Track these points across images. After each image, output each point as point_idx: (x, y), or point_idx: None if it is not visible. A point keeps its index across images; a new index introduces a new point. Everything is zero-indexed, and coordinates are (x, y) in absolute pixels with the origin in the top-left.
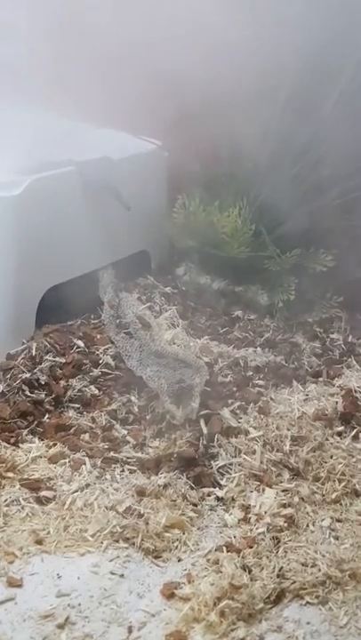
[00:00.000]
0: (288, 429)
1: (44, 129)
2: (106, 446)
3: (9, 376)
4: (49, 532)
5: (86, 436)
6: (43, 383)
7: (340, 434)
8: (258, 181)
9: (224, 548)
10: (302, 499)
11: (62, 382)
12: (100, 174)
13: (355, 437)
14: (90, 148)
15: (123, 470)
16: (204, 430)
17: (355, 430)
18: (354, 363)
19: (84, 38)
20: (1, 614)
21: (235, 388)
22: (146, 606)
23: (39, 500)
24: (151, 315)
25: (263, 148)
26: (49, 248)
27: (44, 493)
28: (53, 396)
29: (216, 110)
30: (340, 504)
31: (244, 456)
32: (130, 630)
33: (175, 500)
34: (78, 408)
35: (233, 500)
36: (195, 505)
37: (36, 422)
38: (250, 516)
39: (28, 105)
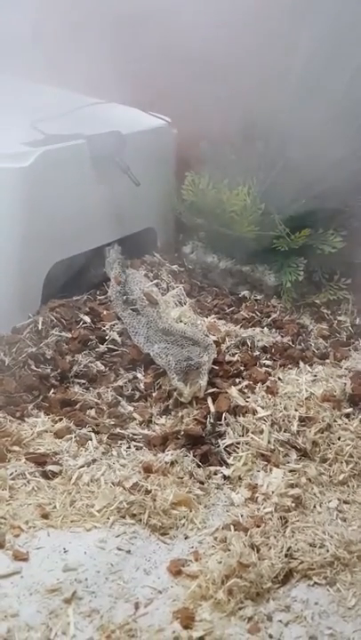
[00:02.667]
0: (296, 410)
1: (54, 102)
2: (112, 422)
3: (14, 350)
4: (55, 507)
5: (92, 412)
6: (48, 358)
7: (348, 415)
8: (268, 160)
9: (231, 527)
10: (310, 479)
11: (68, 357)
12: (110, 148)
13: None
14: (99, 122)
15: (129, 447)
16: (212, 408)
17: None
18: None
19: (94, 12)
20: (7, 587)
21: (242, 367)
22: (153, 583)
23: (45, 475)
24: (158, 292)
25: (275, 125)
26: (56, 221)
27: (50, 468)
28: (59, 370)
29: (226, 86)
30: (348, 486)
31: (252, 435)
32: (137, 606)
33: (182, 478)
34: (84, 384)
35: (240, 478)
36: (201, 483)
37: (41, 397)
38: (257, 495)
39: (38, 78)
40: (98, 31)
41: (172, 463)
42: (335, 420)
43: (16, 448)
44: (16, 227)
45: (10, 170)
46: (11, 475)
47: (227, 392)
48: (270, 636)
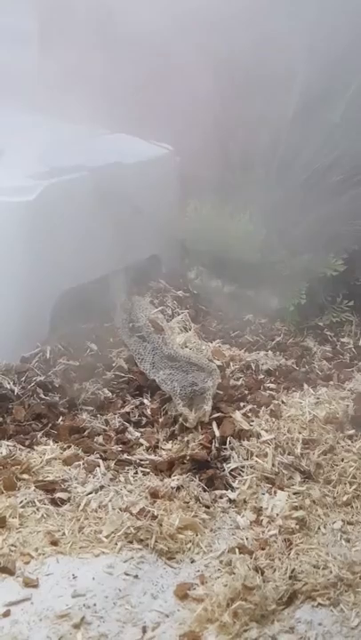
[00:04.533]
0: (299, 432)
1: (57, 135)
2: (119, 448)
3: (24, 379)
4: (64, 534)
5: (100, 439)
6: (57, 386)
7: (350, 437)
8: (269, 187)
9: (237, 550)
10: (314, 501)
11: (76, 385)
12: (112, 179)
13: None
14: (102, 154)
15: (136, 472)
16: (217, 433)
17: None
18: None
19: (94, 45)
20: (18, 614)
21: (246, 391)
22: (160, 607)
23: (54, 502)
24: (163, 318)
25: (274, 153)
26: (62, 252)
27: (58, 495)
28: (67, 398)
29: (227, 117)
30: (352, 507)
31: (256, 459)
32: (144, 630)
33: (188, 502)
34: (92, 411)
35: (245, 502)
36: (207, 507)
37: (50, 425)
38: (262, 518)
39: (40, 111)
40: (98, 63)
41: (179, 488)
42: (338, 442)
43: (25, 476)
44: (23, 258)
45: (16, 203)
46: (20, 503)
47: (231, 416)
48: None
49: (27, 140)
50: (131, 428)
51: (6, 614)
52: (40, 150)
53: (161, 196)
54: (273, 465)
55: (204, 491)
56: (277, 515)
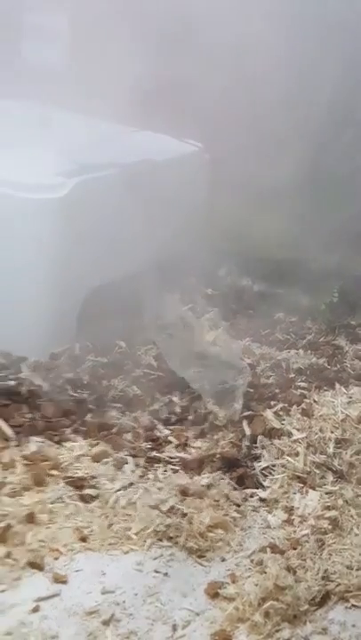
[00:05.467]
0: (332, 432)
1: (88, 132)
2: (148, 446)
3: (52, 375)
4: (93, 530)
5: (129, 436)
6: (85, 383)
7: None
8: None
9: (268, 549)
10: (346, 501)
11: (105, 382)
12: (142, 176)
13: None
14: (132, 151)
15: (165, 470)
16: (247, 431)
17: None
18: None
19: (125, 42)
20: (47, 609)
21: (277, 390)
22: (190, 605)
23: (83, 498)
24: (193, 316)
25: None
26: (92, 249)
27: (87, 491)
28: (96, 395)
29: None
30: None
31: (288, 458)
32: (174, 628)
33: (218, 501)
34: (121, 408)
35: (276, 501)
36: (238, 505)
37: (79, 421)
38: (293, 517)
39: (72, 109)
40: (131, 59)
41: (209, 486)
42: None
43: (55, 472)
44: (53, 255)
45: (47, 200)
46: (50, 499)
47: (262, 415)
48: None
49: (58, 137)
50: (160, 426)
51: (35, 610)
52: (71, 147)
53: (191, 193)
54: (305, 464)
55: (235, 489)
56: (309, 514)
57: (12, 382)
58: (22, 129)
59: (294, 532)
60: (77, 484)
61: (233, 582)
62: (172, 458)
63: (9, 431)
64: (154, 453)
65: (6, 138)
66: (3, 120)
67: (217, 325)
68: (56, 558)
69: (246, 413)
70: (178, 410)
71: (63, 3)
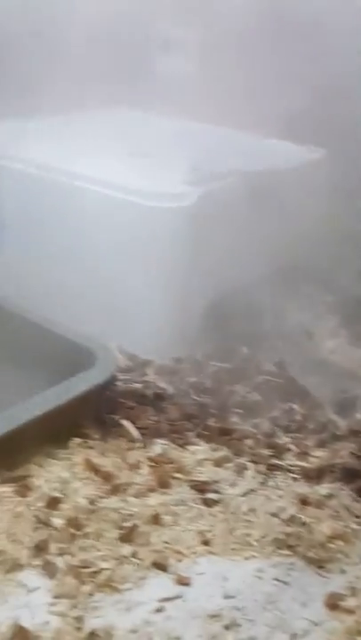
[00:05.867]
0: None
1: (213, 141)
2: (269, 453)
3: (176, 379)
4: (215, 534)
5: (250, 442)
6: (208, 387)
7: None
8: None
9: None
10: None
11: (226, 387)
12: (267, 184)
13: None
14: (256, 159)
15: (286, 478)
16: None
17: None
18: None
19: (253, 54)
20: (171, 610)
21: None
22: (309, 615)
23: (205, 502)
24: (313, 323)
25: None
26: (216, 257)
27: (209, 495)
28: (218, 400)
29: None
30: None
31: None
32: (293, 638)
33: (338, 512)
34: (241, 413)
35: None
36: (358, 517)
37: (201, 425)
38: None
39: (197, 118)
40: (255, 69)
41: (329, 496)
42: None
43: (178, 475)
44: (178, 262)
45: (173, 209)
46: (174, 501)
47: None
48: None
49: (183, 146)
50: (280, 433)
51: (160, 610)
52: (196, 156)
53: (314, 200)
54: None
55: (356, 501)
56: None
57: (139, 385)
58: (152, 139)
59: None
60: (200, 487)
61: (353, 595)
62: (292, 466)
63: (135, 433)
64: (274, 460)
65: (137, 147)
66: (133, 130)
67: (337, 333)
68: (179, 560)
69: None
70: (298, 418)
71: (196, 17)
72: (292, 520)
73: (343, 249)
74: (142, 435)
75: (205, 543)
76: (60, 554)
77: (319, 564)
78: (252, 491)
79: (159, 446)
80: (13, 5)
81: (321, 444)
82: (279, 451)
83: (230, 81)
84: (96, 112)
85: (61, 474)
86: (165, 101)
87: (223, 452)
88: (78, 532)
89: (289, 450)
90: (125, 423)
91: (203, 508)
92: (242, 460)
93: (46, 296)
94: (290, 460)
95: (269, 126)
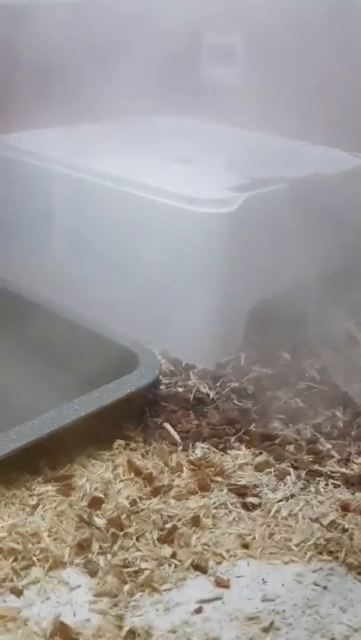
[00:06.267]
0: None
1: (258, 147)
2: (310, 459)
3: (218, 384)
4: (254, 538)
5: (291, 448)
6: (250, 393)
7: None
8: None
9: None
10: None
11: (268, 393)
12: (312, 190)
13: None
14: (301, 165)
15: (327, 484)
16: None
17: None
18: None
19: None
20: (210, 612)
21: None
22: (349, 620)
23: (245, 506)
24: (358, 330)
25: None
26: (259, 262)
27: (250, 499)
28: (260, 405)
29: None
30: None
31: None
32: None
33: None
34: (283, 419)
35: None
36: None
37: (243, 430)
38: None
39: (242, 125)
40: (303, 76)
41: None
42: None
43: (219, 479)
44: (222, 268)
45: (217, 215)
46: (214, 504)
47: None
48: None
49: (228, 152)
50: (322, 440)
51: (198, 611)
52: (241, 162)
53: (359, 206)
54: None
55: None
56: None
57: (181, 389)
58: (197, 144)
59: None
60: (240, 491)
61: None
62: (333, 472)
63: (176, 436)
64: (315, 467)
65: (183, 153)
66: (180, 136)
67: None
68: (219, 562)
69: None
70: (340, 424)
71: (242, 24)
72: (332, 525)
73: None
74: (184, 438)
75: (245, 546)
76: (102, 553)
77: (359, 571)
78: (293, 496)
79: (200, 450)
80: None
81: None
82: (321, 457)
83: (277, 87)
84: (143, 119)
85: (104, 474)
86: (214, 108)
87: (264, 457)
88: (120, 532)
89: (331, 456)
90: (167, 426)
91: (242, 511)
92: (283, 466)
93: (93, 300)
94: (331, 466)
95: (316, 132)
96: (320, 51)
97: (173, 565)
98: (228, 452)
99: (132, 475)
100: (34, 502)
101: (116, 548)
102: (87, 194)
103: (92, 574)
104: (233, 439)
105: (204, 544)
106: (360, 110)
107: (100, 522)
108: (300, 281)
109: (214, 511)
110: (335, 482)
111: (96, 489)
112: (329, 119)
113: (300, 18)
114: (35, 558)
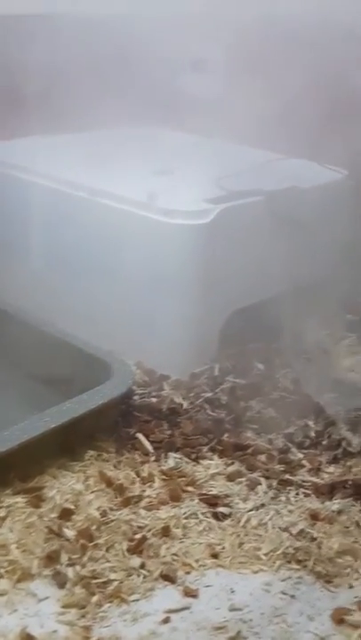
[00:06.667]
0: None
1: (234, 159)
2: (282, 468)
3: (192, 394)
4: (224, 547)
5: (263, 457)
6: (223, 403)
7: None
8: None
9: None
10: None
11: (242, 403)
12: (287, 203)
13: None
14: (277, 178)
15: (297, 493)
16: None
17: None
18: None
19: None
20: (177, 621)
21: None
22: (315, 629)
23: (216, 516)
24: (331, 341)
25: None
26: (234, 274)
27: (220, 509)
28: (233, 415)
29: None
30: None
31: None
32: None
33: (348, 527)
34: (256, 429)
35: None
36: None
37: (215, 440)
38: None
39: (219, 137)
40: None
41: (339, 512)
42: None
43: (190, 489)
44: (196, 278)
45: (192, 226)
46: (184, 514)
47: None
48: None
49: (204, 164)
50: (294, 449)
51: (166, 621)
52: (217, 174)
53: (335, 220)
54: None
55: None
56: None
57: (154, 399)
58: (175, 156)
59: None
60: (211, 501)
61: (360, 610)
62: (304, 482)
63: (149, 446)
64: (287, 476)
65: (160, 165)
66: (157, 147)
67: (355, 352)
68: (188, 572)
69: None
70: (312, 434)
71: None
72: (301, 535)
73: None
74: (156, 448)
75: (214, 556)
76: (71, 564)
77: (327, 579)
78: (263, 505)
79: (172, 460)
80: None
81: (334, 461)
82: (292, 466)
83: (255, 100)
84: (122, 129)
85: (75, 486)
86: (191, 120)
87: (236, 467)
88: (89, 544)
89: (302, 466)
90: (140, 437)
91: (213, 521)
92: (255, 475)
93: (65, 310)
94: (302, 475)
95: (293, 146)
96: (297, 64)
97: (142, 576)
98: (201, 461)
99: (104, 485)
100: (2, 514)
101: (85, 559)
102: (63, 205)
103: (61, 586)
104: (206, 449)
105: (174, 554)
106: (336, 123)
107: (69, 533)
108: (275, 292)
109: (185, 521)
110: (306, 491)
111: (66, 500)
112: (306, 132)
113: (277, 30)
114: (2, 570)
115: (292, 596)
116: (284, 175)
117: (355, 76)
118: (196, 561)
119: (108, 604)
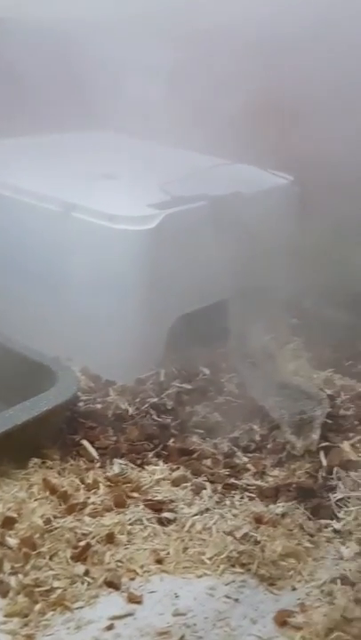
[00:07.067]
0: None
1: (178, 165)
2: (227, 472)
3: (138, 400)
4: (168, 553)
5: (208, 462)
6: (169, 408)
7: None
8: None
9: (338, 581)
10: None
11: (188, 408)
12: (232, 209)
13: None
14: (222, 183)
15: (242, 497)
16: (324, 462)
17: None
18: None
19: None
20: (120, 628)
21: (356, 422)
22: (258, 632)
23: (160, 521)
24: (276, 345)
25: None
26: (179, 279)
27: (165, 515)
28: (179, 420)
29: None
30: None
31: None
32: None
33: (292, 530)
34: (202, 434)
35: (350, 533)
36: (311, 536)
37: (161, 446)
38: None
39: (163, 142)
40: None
41: (283, 515)
42: None
43: (135, 494)
44: (141, 284)
45: (137, 232)
46: (129, 520)
47: (339, 446)
48: None
49: (148, 169)
50: (239, 453)
51: (110, 627)
52: (161, 180)
53: (279, 225)
54: None
55: (309, 519)
56: None
57: (100, 405)
58: (119, 161)
59: None
60: (156, 507)
61: (302, 612)
62: (249, 485)
63: (94, 453)
64: (232, 480)
65: (104, 169)
66: (101, 152)
67: (299, 355)
68: (132, 579)
69: (324, 444)
70: (257, 438)
71: (167, 41)
72: (245, 538)
73: (307, 273)
74: (102, 455)
75: (159, 562)
76: (14, 573)
77: (271, 582)
78: (208, 510)
79: (117, 466)
80: None
81: (278, 464)
82: (237, 470)
83: (200, 105)
84: (63, 134)
85: (18, 494)
86: (136, 125)
87: (181, 472)
88: (32, 552)
89: (247, 469)
90: (85, 443)
91: (158, 527)
92: (200, 480)
93: (9, 316)
94: (247, 479)
95: (238, 151)
96: (243, 70)
97: (86, 583)
98: (146, 467)
99: (48, 493)
100: None
101: (28, 567)
102: (7, 210)
103: (3, 595)
104: (151, 454)
105: (118, 561)
106: (281, 129)
107: (12, 542)
108: (220, 297)
109: (129, 527)
110: (250, 494)
111: (9, 509)
112: (250, 138)
113: (224, 36)
114: None
115: (236, 600)
116: (228, 180)
117: (301, 84)
118: (141, 567)
119: (52, 612)
